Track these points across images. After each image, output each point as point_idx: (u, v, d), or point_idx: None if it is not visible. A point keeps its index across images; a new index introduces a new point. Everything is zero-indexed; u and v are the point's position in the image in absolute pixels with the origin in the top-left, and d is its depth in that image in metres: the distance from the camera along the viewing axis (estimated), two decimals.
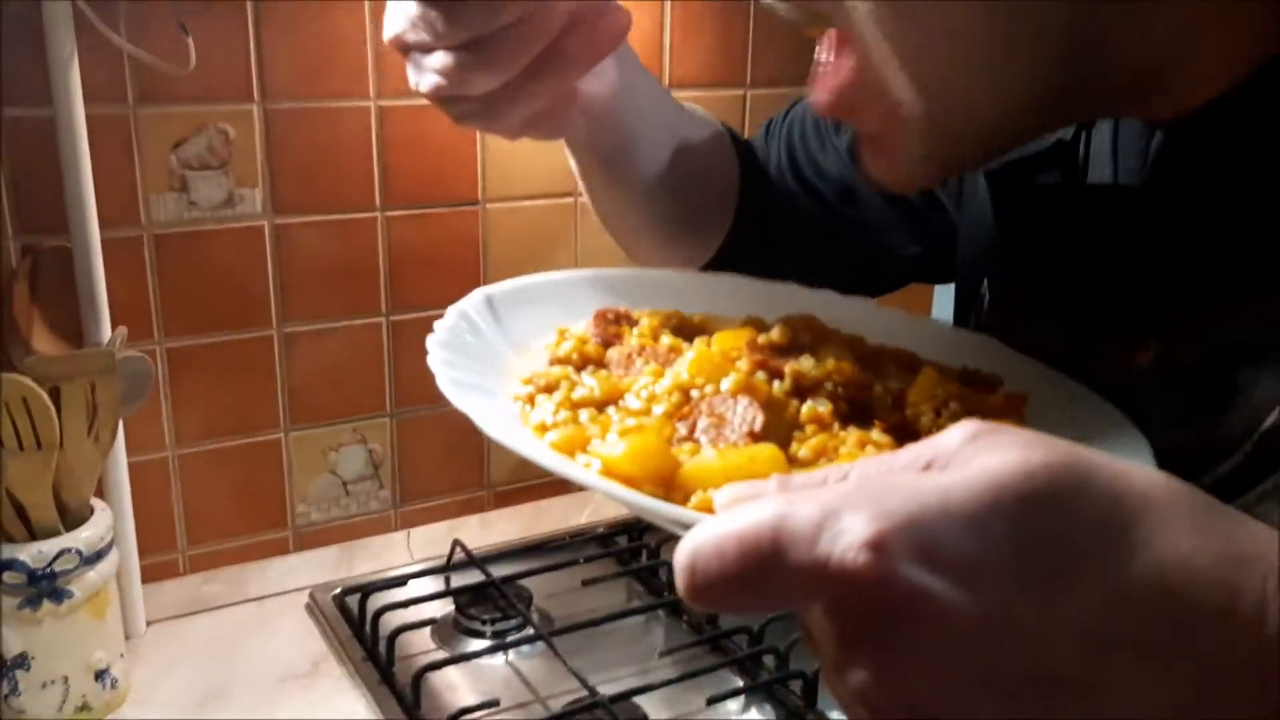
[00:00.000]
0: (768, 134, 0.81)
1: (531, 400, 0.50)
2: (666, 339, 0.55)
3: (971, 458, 0.30)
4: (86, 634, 1.00)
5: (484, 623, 1.13)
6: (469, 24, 0.52)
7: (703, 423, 0.45)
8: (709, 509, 0.39)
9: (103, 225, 1.05)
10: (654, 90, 0.72)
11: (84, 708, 1.01)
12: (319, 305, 1.22)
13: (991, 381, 0.52)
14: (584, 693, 0.99)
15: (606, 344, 0.55)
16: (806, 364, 0.49)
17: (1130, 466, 0.32)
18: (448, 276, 1.28)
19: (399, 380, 1.28)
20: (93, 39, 1.01)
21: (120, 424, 1.04)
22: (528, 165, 1.30)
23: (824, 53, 0.47)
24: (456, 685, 1.05)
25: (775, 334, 0.53)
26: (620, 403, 0.48)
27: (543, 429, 0.47)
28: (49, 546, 0.96)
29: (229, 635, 1.14)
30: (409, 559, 1.28)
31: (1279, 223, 0.42)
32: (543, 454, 0.44)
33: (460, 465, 1.33)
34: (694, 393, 0.47)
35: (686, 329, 0.57)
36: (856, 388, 0.48)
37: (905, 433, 0.46)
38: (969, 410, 0.46)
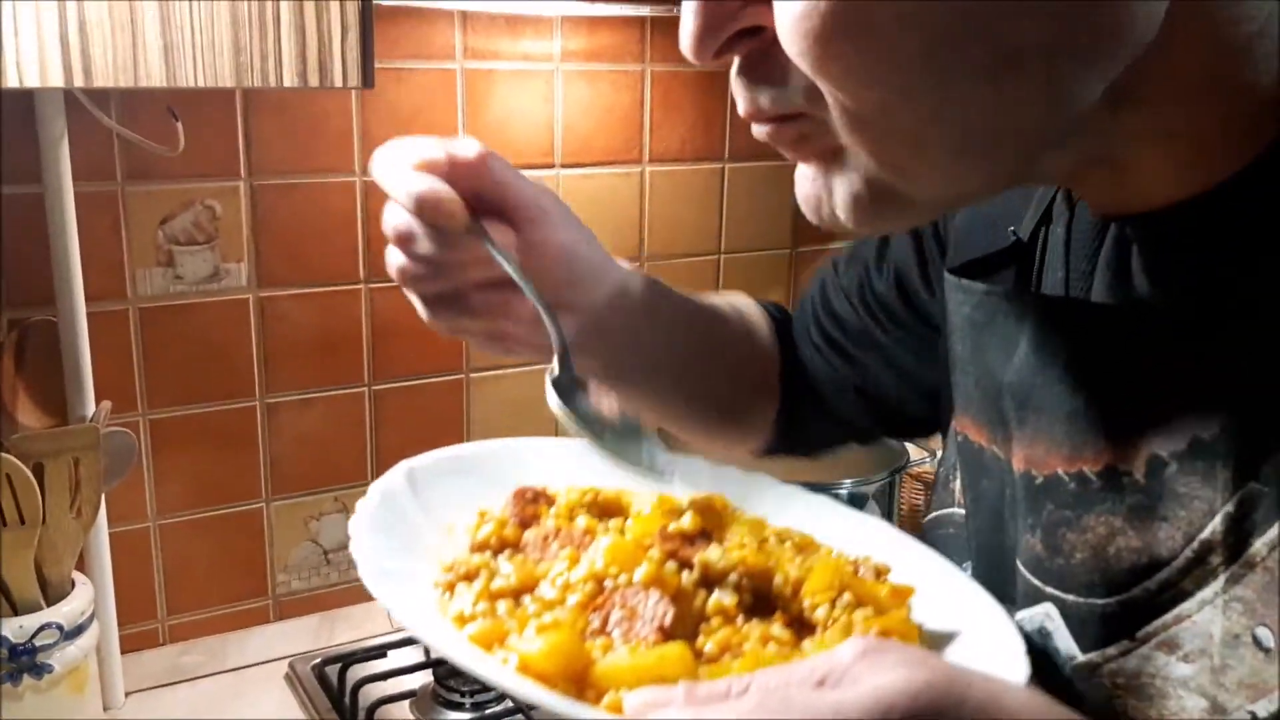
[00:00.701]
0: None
1: (451, 588, 0.52)
2: (583, 520, 0.57)
3: (861, 675, 0.34)
4: (66, 708, 1.00)
5: (463, 694, 1.13)
6: (433, 252, 0.58)
7: (616, 614, 0.47)
8: (619, 710, 0.41)
9: (89, 299, 1.06)
10: (653, 303, 0.70)
11: None
12: (302, 376, 1.23)
13: (880, 571, 0.56)
14: None
15: (524, 525, 0.57)
16: (714, 554, 0.52)
17: (1003, 687, 0.37)
18: (430, 347, 1.30)
19: (381, 448, 1.30)
20: (83, 119, 1.03)
21: (102, 497, 1.05)
22: None
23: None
24: None
25: (686, 523, 0.55)
26: (536, 591, 0.50)
27: (462, 619, 0.49)
28: (30, 621, 0.96)
29: (208, 706, 1.14)
30: (389, 628, 1.28)
31: (1221, 339, 0.44)
32: (459, 652, 0.46)
33: None
34: (608, 582, 0.49)
35: (602, 506, 0.60)
36: (759, 579, 0.51)
37: (803, 625, 0.50)
38: (860, 601, 0.50)
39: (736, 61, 0.45)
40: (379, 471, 1.29)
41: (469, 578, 0.53)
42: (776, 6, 0.40)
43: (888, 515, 1.26)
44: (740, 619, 0.49)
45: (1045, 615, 0.50)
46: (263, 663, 1.22)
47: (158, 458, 1.18)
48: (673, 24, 1.34)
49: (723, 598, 0.50)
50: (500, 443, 0.64)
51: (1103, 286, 0.50)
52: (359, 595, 1.32)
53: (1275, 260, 0.43)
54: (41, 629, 0.97)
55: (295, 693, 1.17)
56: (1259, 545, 0.42)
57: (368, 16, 0.79)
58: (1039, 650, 0.50)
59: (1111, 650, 0.47)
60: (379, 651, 1.19)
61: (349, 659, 1.16)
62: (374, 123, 1.22)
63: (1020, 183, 0.49)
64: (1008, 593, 0.53)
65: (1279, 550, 0.42)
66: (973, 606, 0.52)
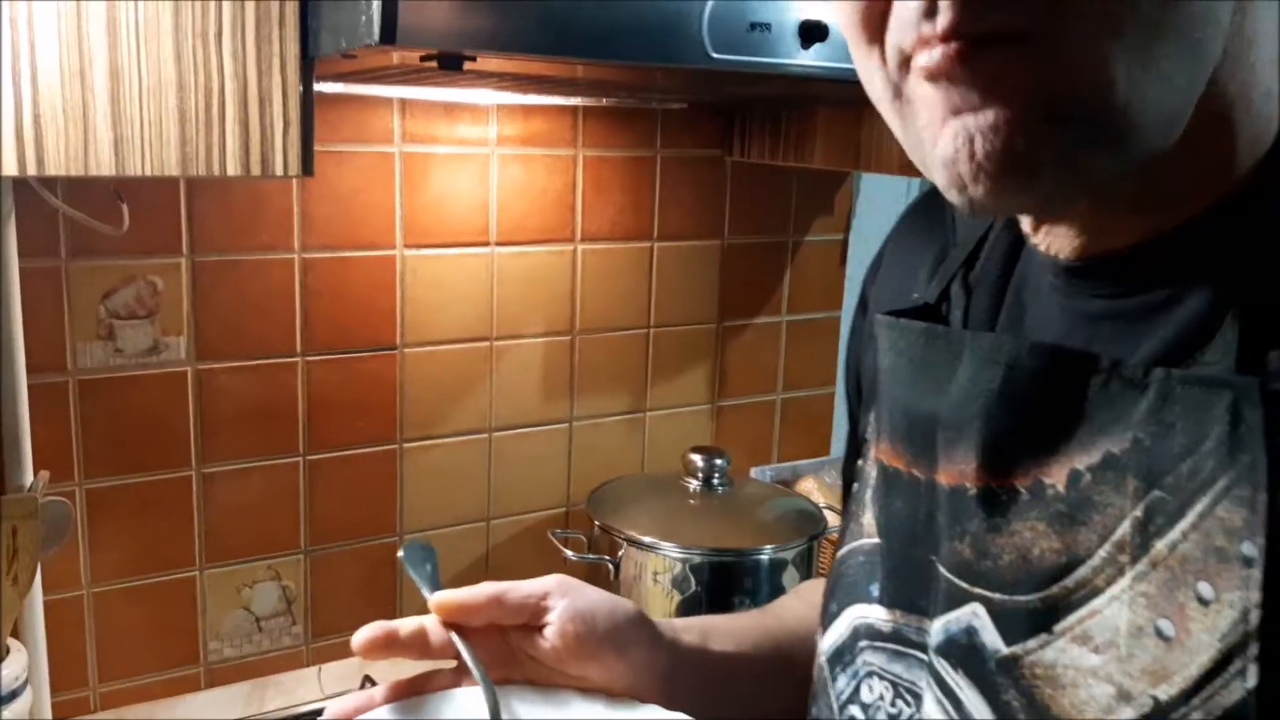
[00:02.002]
0: None
1: None
2: None
3: None
4: None
5: None
6: None
7: None
8: None
9: (31, 371, 1.09)
10: (706, 656, 0.77)
11: None
12: (238, 446, 1.27)
13: None
14: None
15: None
16: None
17: None
18: (365, 417, 1.34)
19: (313, 518, 1.33)
20: (30, 197, 1.07)
21: (38, 564, 1.07)
22: (445, 312, 1.37)
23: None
24: None
25: None
26: None
27: None
28: None
29: None
30: (319, 694, 1.31)
31: (1135, 372, 0.50)
32: None
33: (372, 601, 1.37)
34: None
35: None
36: None
37: None
38: None
39: None
40: (312, 540, 1.33)
41: None
42: None
43: (806, 578, 1.31)
44: None
45: (972, 614, 0.55)
46: None
47: (93, 526, 1.20)
48: (602, 113, 1.41)
49: None
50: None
51: (1034, 322, 0.57)
52: (289, 662, 1.34)
53: (1198, 303, 0.49)
54: None
55: None
56: (1161, 546, 0.48)
57: (308, 110, 0.85)
58: (965, 647, 0.55)
59: (1031, 643, 0.52)
60: (309, 717, 1.21)
61: None
62: (313, 203, 1.27)
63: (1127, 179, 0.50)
64: (924, 598, 0.59)
65: (1178, 551, 0.47)
66: None
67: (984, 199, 0.46)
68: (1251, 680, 0.45)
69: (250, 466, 1.28)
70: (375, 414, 1.35)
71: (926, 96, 0.46)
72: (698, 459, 1.37)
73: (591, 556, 1.33)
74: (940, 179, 0.47)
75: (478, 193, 1.37)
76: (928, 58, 0.45)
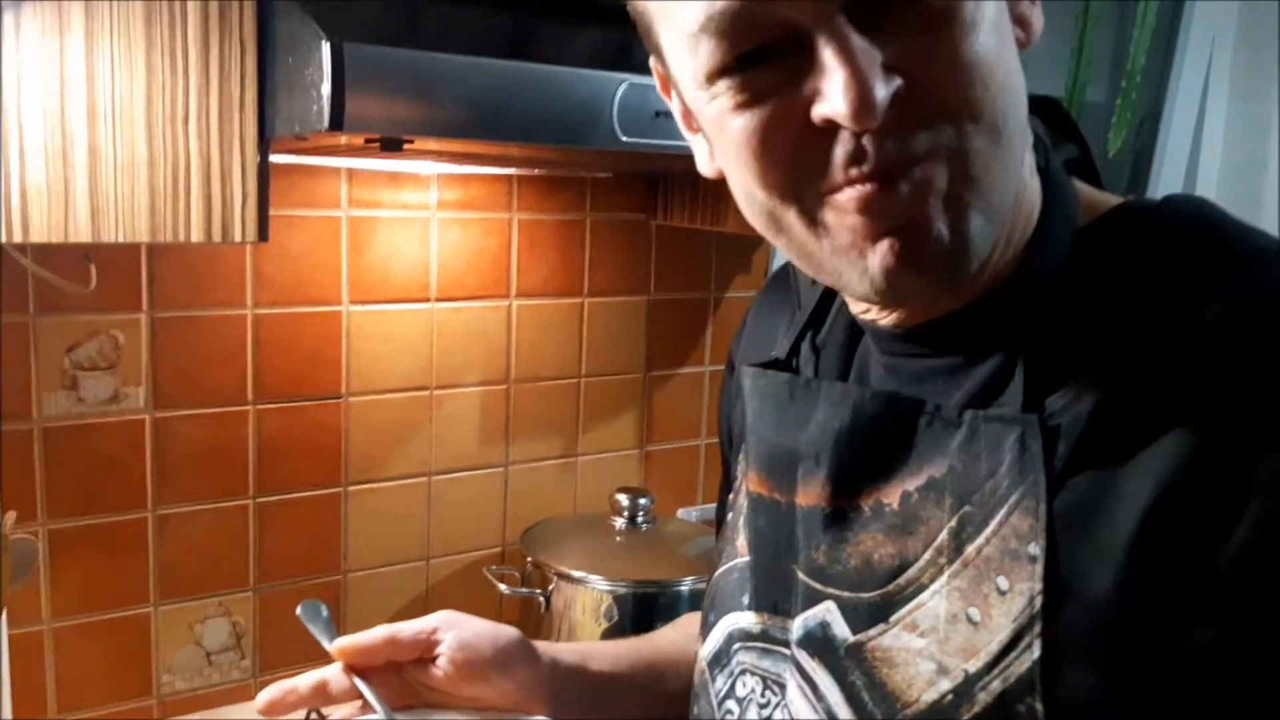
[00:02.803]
0: None
1: None
2: None
3: None
4: None
5: None
6: None
7: None
8: None
9: None
10: (584, 673, 0.88)
11: None
12: (191, 489, 1.35)
13: None
14: None
15: None
16: None
17: None
18: (311, 462, 1.43)
19: (262, 557, 1.41)
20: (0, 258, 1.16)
21: (2, 600, 1.15)
22: (389, 362, 1.48)
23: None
24: None
25: None
26: None
27: None
28: None
29: None
30: None
31: (950, 413, 0.62)
32: None
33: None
34: None
35: None
36: None
37: None
38: None
39: (882, 112, 0.53)
40: (261, 578, 1.41)
41: None
42: (940, 40, 0.54)
43: None
44: None
45: (826, 610, 0.67)
46: None
47: (55, 564, 1.28)
48: (535, 181, 1.54)
49: None
50: None
51: (873, 377, 0.70)
52: (238, 695, 1.42)
53: (995, 361, 0.63)
54: None
55: None
56: (970, 550, 0.60)
57: (264, 183, 0.96)
58: (820, 639, 0.66)
59: (873, 631, 0.64)
60: None
61: None
62: (265, 262, 1.37)
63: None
64: (786, 601, 0.70)
65: (983, 554, 0.60)
66: None
67: (912, 287, 0.58)
68: (1037, 652, 0.57)
69: (203, 508, 1.37)
70: (321, 459, 1.44)
71: (853, 225, 0.57)
72: (623, 499, 1.47)
73: (524, 590, 1.43)
74: (866, 287, 0.59)
75: (419, 253, 1.48)
76: (858, 192, 0.56)
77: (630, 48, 0.96)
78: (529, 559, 1.43)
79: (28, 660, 1.27)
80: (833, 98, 0.53)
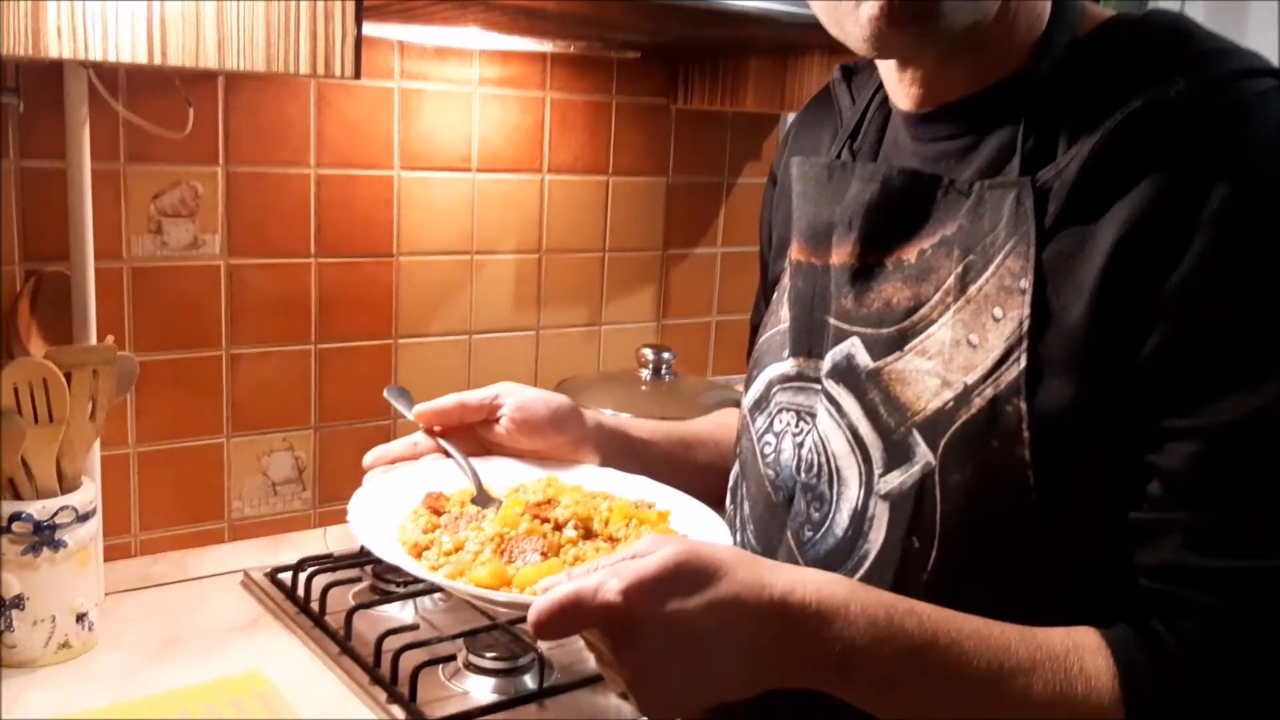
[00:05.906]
0: None
1: (418, 553, 0.82)
2: (471, 509, 0.88)
3: (653, 549, 0.67)
4: (72, 581, 1.22)
5: (399, 585, 1.39)
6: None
7: (515, 550, 0.80)
8: (534, 592, 0.70)
9: (94, 257, 1.30)
10: (625, 437, 1.02)
11: (65, 645, 1.22)
12: (260, 332, 1.49)
13: (649, 506, 0.90)
14: (487, 620, 1.26)
15: (437, 512, 0.87)
16: (559, 511, 0.85)
17: (721, 547, 0.70)
18: (366, 314, 1.57)
19: (322, 399, 1.55)
20: (95, 105, 1.28)
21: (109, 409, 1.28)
22: (436, 228, 1.61)
23: None
24: (378, 624, 1.30)
25: (541, 497, 0.88)
26: (466, 546, 0.81)
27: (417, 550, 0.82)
28: (52, 504, 1.19)
29: (177, 603, 1.37)
30: (325, 549, 1.53)
31: (964, 185, 0.77)
32: (437, 576, 0.77)
33: None
34: (508, 532, 0.81)
35: (478, 499, 0.90)
36: (586, 521, 0.85)
37: (613, 541, 0.84)
38: (642, 522, 0.86)
39: None
40: (321, 418, 1.55)
41: (424, 547, 0.83)
42: None
43: None
44: (580, 543, 0.83)
45: (851, 344, 0.81)
46: (221, 574, 1.46)
47: (140, 393, 1.41)
48: (566, 61, 1.66)
49: (568, 533, 0.83)
50: (414, 466, 0.95)
51: (899, 158, 0.84)
52: (300, 523, 1.56)
53: (1000, 140, 0.77)
54: (60, 510, 1.19)
55: (252, 592, 1.40)
56: (972, 289, 0.74)
57: (359, 25, 1.08)
58: (845, 368, 0.81)
59: (889, 358, 0.78)
60: (323, 557, 1.43)
61: (299, 566, 1.41)
62: (327, 126, 1.49)
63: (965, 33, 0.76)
64: (819, 346, 0.84)
65: (983, 291, 0.74)
66: (699, 518, 0.89)
67: (890, 41, 0.73)
68: (1023, 363, 0.71)
69: (270, 351, 1.50)
70: (375, 312, 1.58)
71: None
72: (648, 352, 1.61)
73: None
74: (858, 33, 0.74)
75: (462, 126, 1.61)
76: None
77: None
78: None
79: (114, 481, 1.41)
80: None
